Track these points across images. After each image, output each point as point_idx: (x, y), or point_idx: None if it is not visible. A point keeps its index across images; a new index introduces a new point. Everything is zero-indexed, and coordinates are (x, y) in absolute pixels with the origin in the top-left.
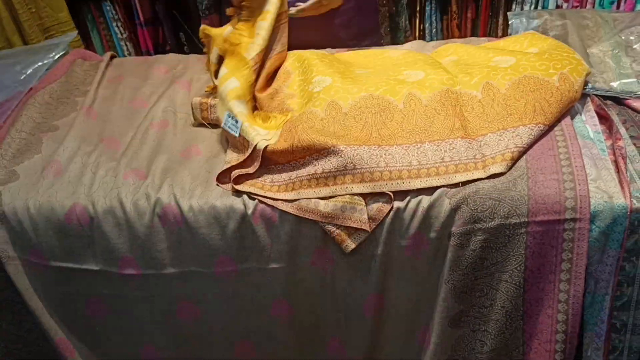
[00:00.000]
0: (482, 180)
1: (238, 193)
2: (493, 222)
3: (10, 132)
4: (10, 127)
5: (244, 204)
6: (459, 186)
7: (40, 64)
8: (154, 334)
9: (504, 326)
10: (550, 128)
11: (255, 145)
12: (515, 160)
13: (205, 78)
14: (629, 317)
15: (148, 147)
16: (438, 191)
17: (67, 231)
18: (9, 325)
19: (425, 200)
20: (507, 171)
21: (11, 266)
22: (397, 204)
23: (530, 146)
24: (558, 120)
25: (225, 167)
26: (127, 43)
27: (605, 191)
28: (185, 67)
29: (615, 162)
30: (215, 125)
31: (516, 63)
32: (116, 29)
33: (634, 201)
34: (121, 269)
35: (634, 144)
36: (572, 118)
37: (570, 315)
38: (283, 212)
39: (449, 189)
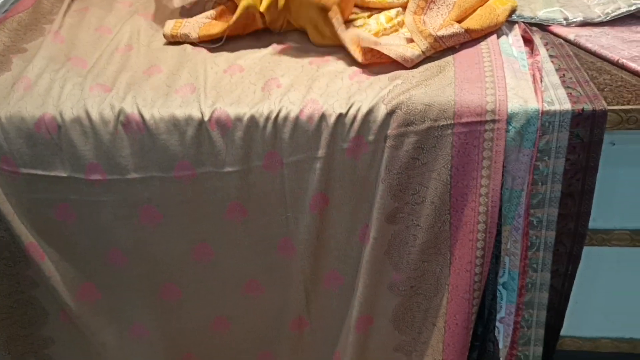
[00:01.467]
0: (414, 89)
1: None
2: (424, 125)
3: None
4: None
5: (201, 112)
6: None
7: None
8: (119, 238)
9: (433, 220)
10: (476, 43)
11: None
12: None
13: (168, 12)
14: (543, 214)
15: (113, 66)
16: (376, 98)
17: (36, 139)
18: None
19: (365, 107)
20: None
21: None
22: (338, 110)
23: (453, 48)
24: (484, 37)
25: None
26: None
27: (521, 97)
28: (149, 1)
29: (533, 76)
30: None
31: None
32: None
33: (545, 105)
34: (87, 174)
35: (552, 62)
36: (499, 38)
37: (490, 207)
38: (237, 118)
39: (385, 96)
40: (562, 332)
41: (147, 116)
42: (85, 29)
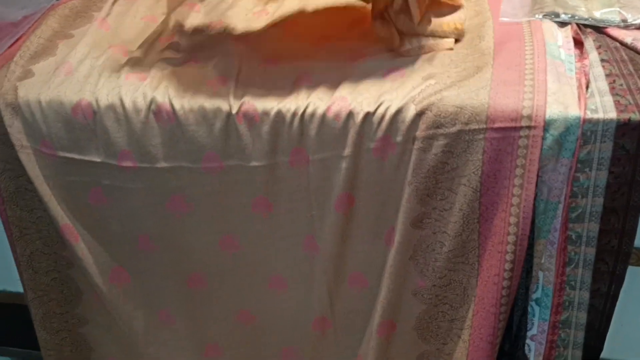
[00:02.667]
0: (447, 90)
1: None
2: (454, 128)
3: (30, 37)
4: (31, 34)
5: (230, 105)
6: None
7: None
8: (148, 225)
9: (461, 228)
10: (521, 43)
11: None
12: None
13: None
14: (583, 229)
15: (152, 56)
16: (406, 97)
17: (73, 124)
18: (22, 212)
19: (394, 106)
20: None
21: (24, 154)
22: (367, 108)
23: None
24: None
25: None
26: None
27: (562, 103)
28: None
29: (579, 80)
30: None
31: None
32: None
33: (588, 112)
34: (120, 161)
35: (603, 66)
36: (547, 39)
37: (521, 219)
38: (264, 112)
39: (416, 96)
40: (603, 355)
41: (177, 106)
42: (131, 17)
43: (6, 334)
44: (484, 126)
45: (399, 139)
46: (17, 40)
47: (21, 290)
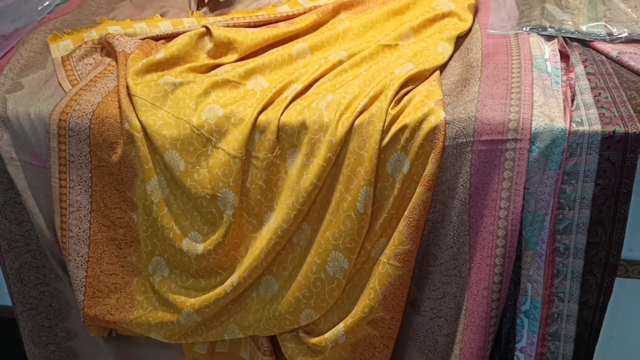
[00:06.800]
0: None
1: None
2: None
3: (20, 50)
4: (20, 47)
5: None
6: None
7: None
8: None
9: (452, 240)
10: (508, 57)
11: None
12: None
13: None
14: (571, 241)
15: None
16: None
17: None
18: (11, 224)
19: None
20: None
21: (12, 167)
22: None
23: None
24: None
25: None
26: None
27: (548, 115)
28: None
29: (565, 93)
30: None
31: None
32: None
33: (573, 125)
34: None
35: (589, 79)
36: (534, 53)
37: (509, 231)
38: None
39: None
40: None
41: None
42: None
43: None
44: (471, 139)
45: None
46: (7, 52)
47: (9, 303)
